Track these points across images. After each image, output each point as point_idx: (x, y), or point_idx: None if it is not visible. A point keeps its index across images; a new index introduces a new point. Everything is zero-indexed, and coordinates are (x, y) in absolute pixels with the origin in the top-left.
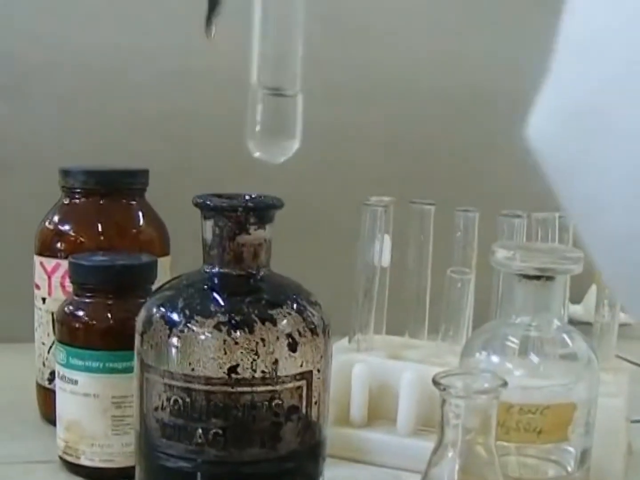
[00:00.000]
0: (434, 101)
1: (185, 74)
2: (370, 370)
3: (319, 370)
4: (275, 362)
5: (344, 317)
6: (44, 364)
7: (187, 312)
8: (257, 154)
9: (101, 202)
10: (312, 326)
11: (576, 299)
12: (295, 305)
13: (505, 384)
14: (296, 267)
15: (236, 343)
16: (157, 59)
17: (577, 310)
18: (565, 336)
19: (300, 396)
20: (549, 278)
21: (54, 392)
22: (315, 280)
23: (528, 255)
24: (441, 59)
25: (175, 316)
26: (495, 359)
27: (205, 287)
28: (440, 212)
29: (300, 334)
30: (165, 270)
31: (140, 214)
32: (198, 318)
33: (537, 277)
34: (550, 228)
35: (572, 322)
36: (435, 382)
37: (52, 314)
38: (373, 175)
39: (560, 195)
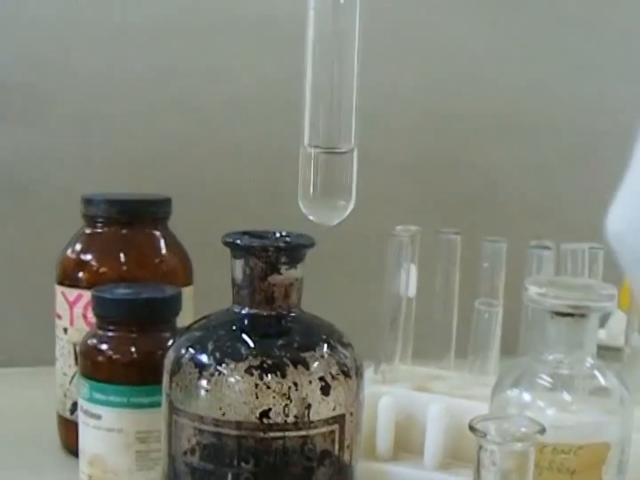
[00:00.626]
0: (459, 127)
1: (207, 98)
2: (396, 403)
3: (351, 414)
4: (308, 406)
5: (370, 345)
6: (65, 395)
7: (217, 355)
8: (310, 217)
9: (123, 231)
10: (345, 368)
11: (600, 322)
12: (327, 348)
13: (543, 430)
14: (323, 296)
15: (268, 387)
16: (179, 82)
17: (600, 334)
18: (597, 373)
19: (333, 440)
20: (582, 315)
21: (75, 423)
22: (341, 309)
23: (561, 291)
24: (467, 82)
25: (205, 359)
26: (527, 396)
27: (235, 328)
28: (467, 240)
29: (332, 377)
30: (188, 300)
31: (163, 243)
32: (229, 361)
33: (571, 315)
34: (580, 260)
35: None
36: (471, 428)
37: (74, 345)
38: (399, 203)
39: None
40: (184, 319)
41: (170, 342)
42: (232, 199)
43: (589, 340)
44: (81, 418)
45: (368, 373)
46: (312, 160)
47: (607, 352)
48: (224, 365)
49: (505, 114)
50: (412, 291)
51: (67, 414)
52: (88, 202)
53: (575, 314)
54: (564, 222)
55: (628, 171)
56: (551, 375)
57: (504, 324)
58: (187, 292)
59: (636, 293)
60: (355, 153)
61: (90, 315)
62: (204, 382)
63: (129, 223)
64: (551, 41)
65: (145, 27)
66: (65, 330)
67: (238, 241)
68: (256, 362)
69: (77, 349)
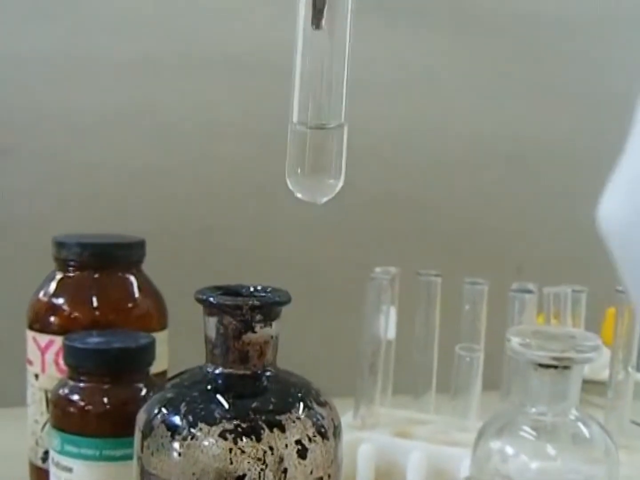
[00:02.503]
0: (439, 165)
1: (184, 134)
2: (376, 450)
3: (329, 476)
4: (285, 471)
5: (349, 386)
6: (37, 443)
7: (190, 417)
8: (298, 194)
9: (96, 275)
10: (322, 430)
11: None
12: (303, 409)
13: None
14: (301, 337)
15: (243, 452)
16: (156, 119)
17: None
18: (581, 425)
19: None
20: (566, 367)
21: (48, 471)
22: (320, 350)
23: (544, 343)
24: (447, 119)
25: (177, 421)
26: (509, 450)
27: (208, 388)
28: (448, 280)
29: (309, 439)
30: (163, 345)
31: (136, 287)
32: (202, 425)
33: (554, 367)
34: (562, 303)
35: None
36: None
37: (46, 392)
38: (377, 243)
39: (629, 286)
40: (158, 364)
41: (143, 392)
42: (209, 237)
43: (572, 391)
44: (53, 471)
45: (346, 418)
46: (300, 138)
47: (590, 386)
48: (197, 428)
49: (488, 152)
50: (391, 334)
51: (39, 462)
52: (60, 245)
53: (559, 366)
54: (547, 260)
55: (625, 152)
56: (534, 427)
57: (487, 360)
58: (161, 336)
59: (631, 295)
60: (345, 129)
61: (62, 362)
62: (176, 446)
63: (102, 267)
64: (530, 72)
65: (119, 62)
66: (37, 376)
67: (211, 299)
68: (230, 426)
69: (48, 397)
